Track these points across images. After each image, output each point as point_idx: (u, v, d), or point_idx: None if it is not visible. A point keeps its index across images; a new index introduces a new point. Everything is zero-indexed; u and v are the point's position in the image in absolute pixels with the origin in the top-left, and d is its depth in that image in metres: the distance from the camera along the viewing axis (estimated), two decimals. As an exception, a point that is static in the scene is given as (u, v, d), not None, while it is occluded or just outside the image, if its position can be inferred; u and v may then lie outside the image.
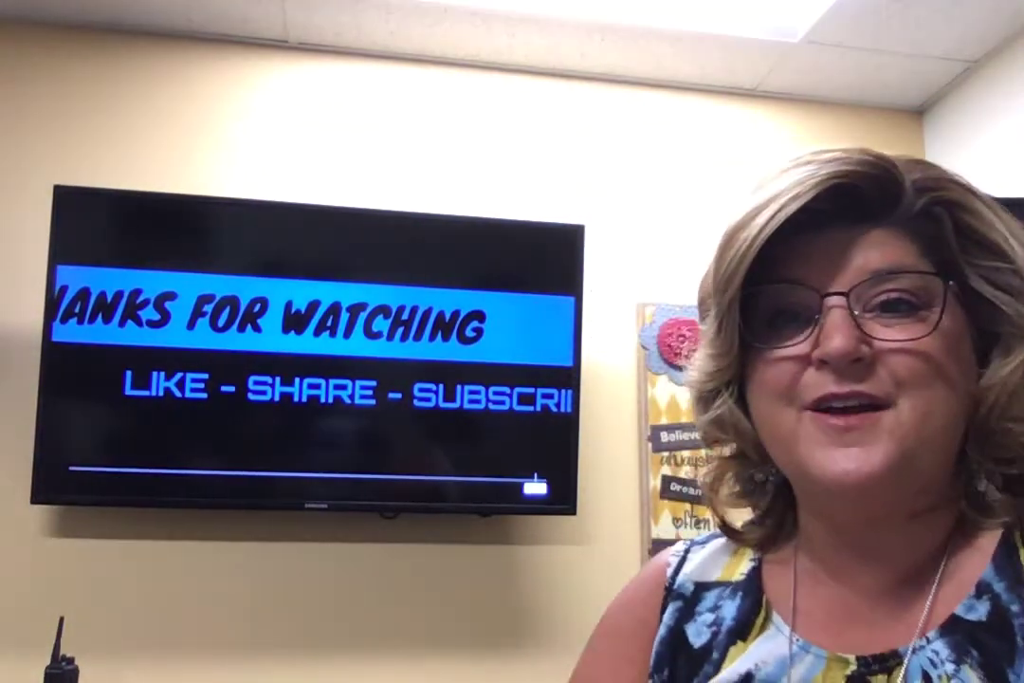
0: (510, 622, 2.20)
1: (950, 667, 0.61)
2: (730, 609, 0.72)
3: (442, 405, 2.17)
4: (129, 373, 2.07)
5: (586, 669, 0.78)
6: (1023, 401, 0.64)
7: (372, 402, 2.16)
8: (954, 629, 0.62)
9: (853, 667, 0.64)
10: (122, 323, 2.08)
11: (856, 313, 0.63)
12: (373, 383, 2.16)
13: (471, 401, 2.18)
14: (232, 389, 2.10)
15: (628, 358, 2.40)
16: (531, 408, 2.20)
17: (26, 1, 2.27)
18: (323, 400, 2.14)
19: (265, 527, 2.17)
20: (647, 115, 2.60)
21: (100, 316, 2.08)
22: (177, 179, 2.29)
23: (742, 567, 0.75)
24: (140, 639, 2.09)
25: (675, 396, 2.36)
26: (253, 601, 2.15)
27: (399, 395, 2.16)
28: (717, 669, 0.68)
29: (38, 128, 2.30)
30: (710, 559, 0.77)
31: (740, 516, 0.77)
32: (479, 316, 2.22)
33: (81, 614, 1.99)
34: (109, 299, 2.09)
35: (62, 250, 2.09)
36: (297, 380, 2.13)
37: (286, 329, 2.15)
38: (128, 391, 2.07)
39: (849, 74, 2.56)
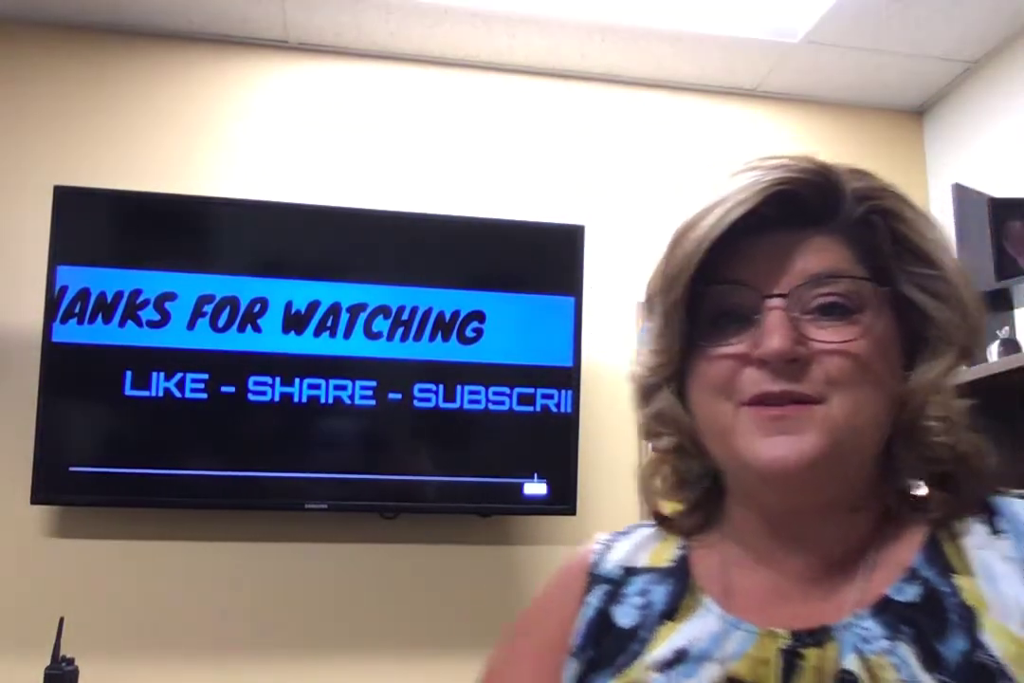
0: (510, 622, 2.20)
1: (885, 643, 0.63)
2: (659, 593, 0.73)
3: (442, 405, 2.17)
4: (129, 373, 2.07)
5: (503, 655, 0.79)
6: (946, 402, 0.68)
7: (372, 402, 2.16)
8: (885, 609, 0.65)
9: (785, 640, 0.65)
10: (122, 323, 2.08)
11: (794, 315, 0.66)
12: (373, 383, 2.16)
13: (471, 401, 2.18)
14: (232, 389, 2.10)
15: (628, 358, 2.40)
16: (531, 408, 2.20)
17: (26, 1, 2.27)
18: (323, 400, 2.14)
19: (265, 527, 2.17)
20: (647, 115, 2.60)
21: (100, 316, 2.08)
22: (177, 179, 2.29)
23: (669, 554, 0.76)
24: (140, 639, 2.09)
25: (675, 396, 2.36)
26: (253, 601, 2.15)
27: (399, 395, 2.16)
28: (644, 647, 0.69)
29: (38, 128, 2.30)
30: (636, 547, 0.78)
31: (672, 506, 0.80)
32: (479, 316, 2.22)
33: (81, 614, 1.99)
34: (109, 299, 2.09)
35: (62, 250, 2.09)
36: (297, 380, 2.13)
37: (286, 329, 2.15)
38: (128, 391, 2.07)
39: (849, 74, 2.56)
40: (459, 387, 2.18)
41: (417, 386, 2.17)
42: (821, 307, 0.66)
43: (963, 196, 2.03)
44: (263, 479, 2.12)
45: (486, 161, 2.47)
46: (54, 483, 2.03)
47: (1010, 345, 1.92)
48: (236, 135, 2.38)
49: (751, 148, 2.63)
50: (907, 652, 0.62)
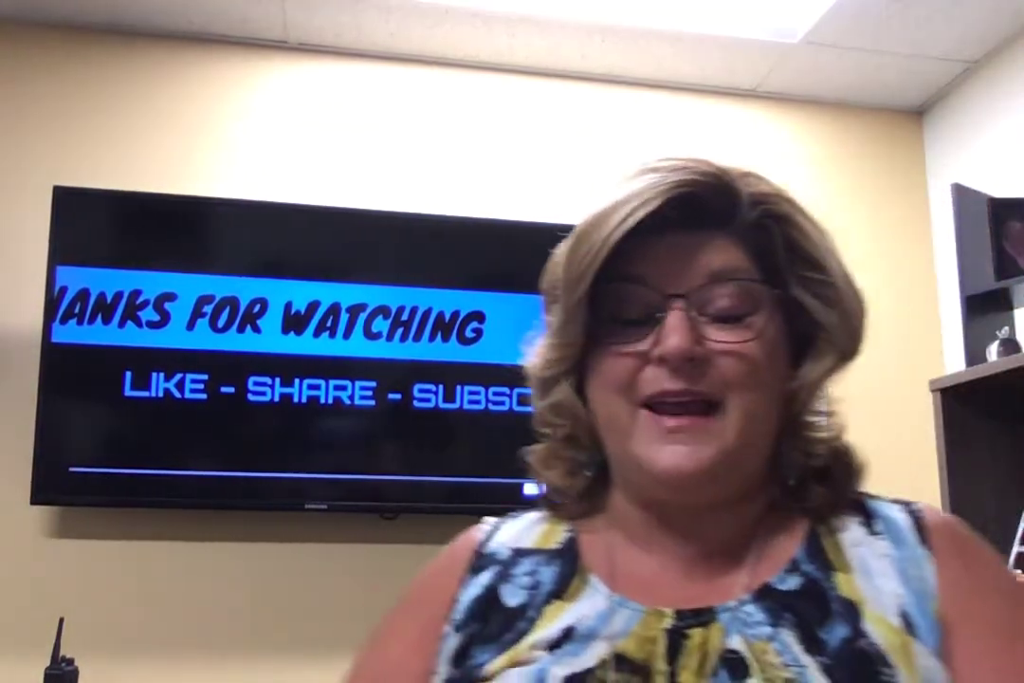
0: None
1: (767, 630, 0.65)
2: (548, 573, 0.74)
3: (442, 406, 2.17)
4: (129, 374, 2.07)
5: (381, 631, 0.79)
6: (826, 401, 0.73)
7: (372, 403, 2.16)
8: (767, 596, 0.68)
9: (670, 619, 0.67)
10: (122, 324, 2.09)
11: (693, 315, 0.68)
12: (373, 384, 2.16)
13: (471, 402, 2.18)
14: (232, 390, 2.10)
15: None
16: (531, 409, 2.19)
17: (26, 1, 2.27)
18: (323, 401, 2.14)
19: (265, 527, 2.17)
20: (647, 115, 2.60)
21: (100, 317, 2.08)
22: (177, 179, 2.29)
23: (557, 536, 0.77)
24: (140, 639, 2.09)
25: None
26: (253, 601, 2.14)
27: (399, 396, 2.16)
28: (532, 626, 0.70)
29: (38, 128, 2.30)
30: (524, 529, 0.79)
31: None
32: (479, 317, 2.22)
33: (81, 614, 1.99)
34: (109, 300, 2.09)
35: (62, 250, 2.09)
36: (297, 381, 2.13)
37: (286, 330, 2.15)
38: (128, 392, 2.07)
39: (849, 74, 2.56)
40: (459, 387, 2.18)
41: (417, 386, 2.17)
42: (718, 308, 0.69)
43: (963, 196, 2.03)
44: (263, 479, 2.12)
45: (486, 161, 2.47)
46: (54, 483, 2.03)
47: (1010, 345, 1.92)
48: (236, 135, 2.38)
49: (751, 148, 2.63)
50: (789, 637, 0.65)
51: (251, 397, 2.11)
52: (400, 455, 2.20)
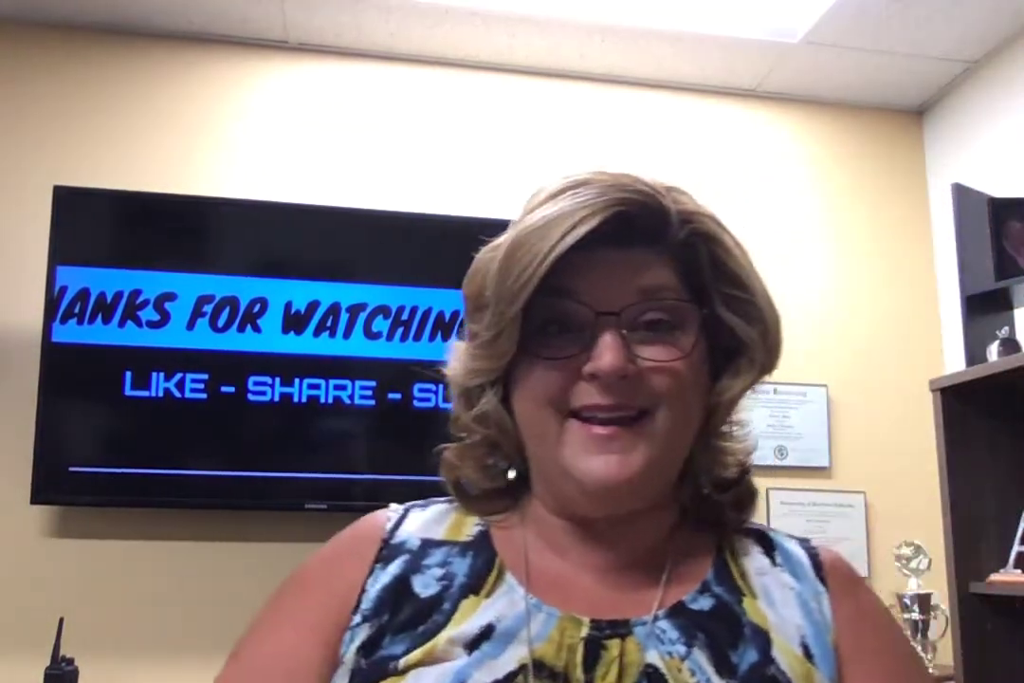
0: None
1: (681, 648, 0.67)
2: (461, 566, 0.73)
3: (442, 405, 2.17)
4: (129, 373, 2.07)
5: (268, 616, 0.78)
6: (742, 414, 0.76)
7: (372, 402, 2.16)
8: (680, 614, 0.70)
9: (587, 629, 0.68)
10: (122, 323, 2.09)
11: (625, 333, 0.69)
12: (373, 383, 2.16)
13: (471, 401, 2.18)
14: (232, 389, 2.10)
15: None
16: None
17: (26, 1, 2.27)
18: (323, 400, 2.14)
19: (265, 527, 2.17)
20: (647, 115, 2.60)
21: (100, 316, 2.08)
22: (177, 179, 2.29)
23: (468, 529, 0.77)
24: (140, 639, 2.09)
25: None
26: (253, 601, 2.13)
27: (399, 395, 2.16)
28: (448, 619, 0.69)
29: (38, 128, 2.30)
30: (433, 520, 0.79)
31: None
32: (479, 316, 2.21)
33: (81, 614, 1.99)
34: (109, 299, 2.09)
35: (62, 250, 2.09)
36: (297, 380, 2.13)
37: (286, 329, 2.15)
38: (128, 391, 2.07)
39: (849, 74, 2.56)
40: (459, 387, 2.18)
41: (417, 386, 2.17)
42: (648, 325, 0.70)
43: (963, 196, 2.03)
44: (263, 479, 2.12)
45: (486, 161, 2.47)
46: (54, 483, 2.03)
47: (1010, 345, 1.92)
48: (236, 135, 2.38)
49: (751, 148, 2.63)
50: (702, 657, 0.67)
51: (251, 397, 2.11)
52: (400, 455, 2.20)
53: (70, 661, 1.77)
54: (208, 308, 2.12)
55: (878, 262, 2.61)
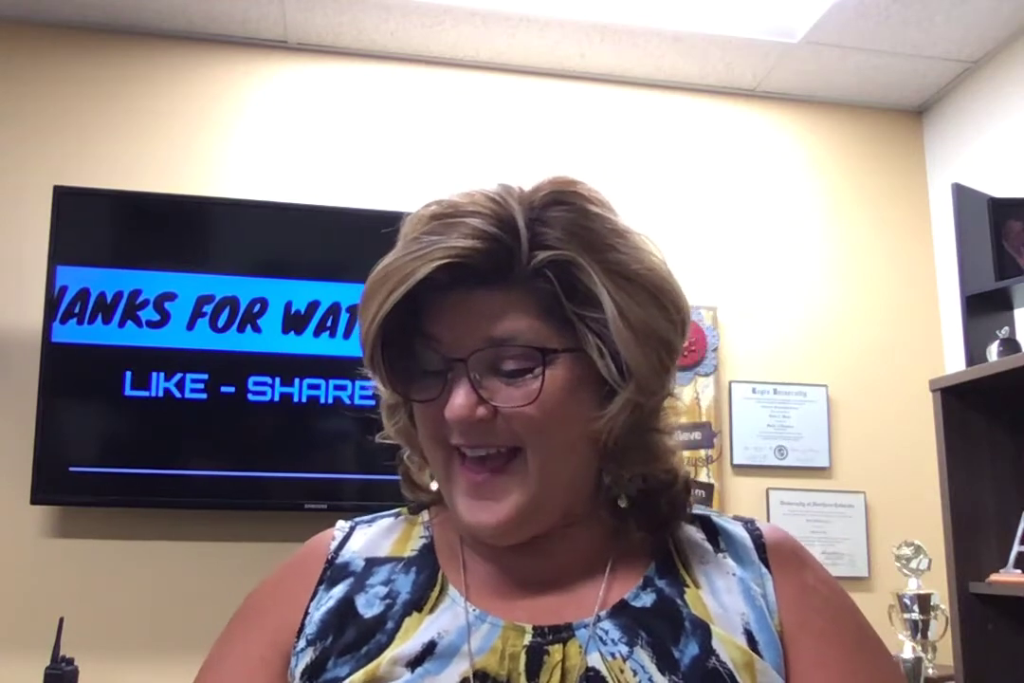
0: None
1: (624, 648, 0.68)
2: (404, 583, 0.74)
3: (442, 405, 2.17)
4: (129, 373, 2.07)
5: (225, 638, 0.79)
6: (636, 428, 0.72)
7: (372, 402, 2.15)
8: (622, 613, 0.70)
9: (530, 636, 0.69)
10: (122, 323, 2.08)
11: (478, 375, 0.69)
12: (373, 383, 2.16)
13: (471, 401, 2.18)
14: (232, 389, 2.10)
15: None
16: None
17: (26, 1, 2.27)
18: (323, 400, 2.14)
19: (265, 527, 2.17)
20: (647, 115, 2.60)
21: (100, 316, 2.08)
22: (177, 179, 2.29)
23: (413, 543, 0.78)
24: (140, 639, 2.09)
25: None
26: (253, 601, 2.14)
27: (399, 395, 2.16)
28: (391, 638, 0.69)
29: (38, 128, 2.30)
30: (378, 536, 0.79)
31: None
32: (479, 316, 2.21)
33: (81, 614, 1.99)
34: (109, 299, 2.09)
35: (62, 250, 2.09)
36: (297, 380, 2.13)
37: (286, 329, 2.15)
38: (128, 391, 2.07)
39: (849, 74, 2.56)
40: (459, 387, 2.18)
41: (417, 386, 2.17)
42: (503, 367, 0.69)
43: (963, 196, 2.03)
44: (263, 479, 2.12)
45: (486, 161, 2.47)
46: (54, 483, 2.03)
47: (1010, 345, 1.92)
48: (236, 135, 2.38)
49: (751, 148, 2.63)
50: (644, 655, 0.67)
51: (251, 397, 2.11)
52: (401, 455, 2.20)
53: (70, 661, 1.77)
54: (208, 308, 2.12)
55: (878, 262, 2.61)
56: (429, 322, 0.71)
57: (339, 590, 0.74)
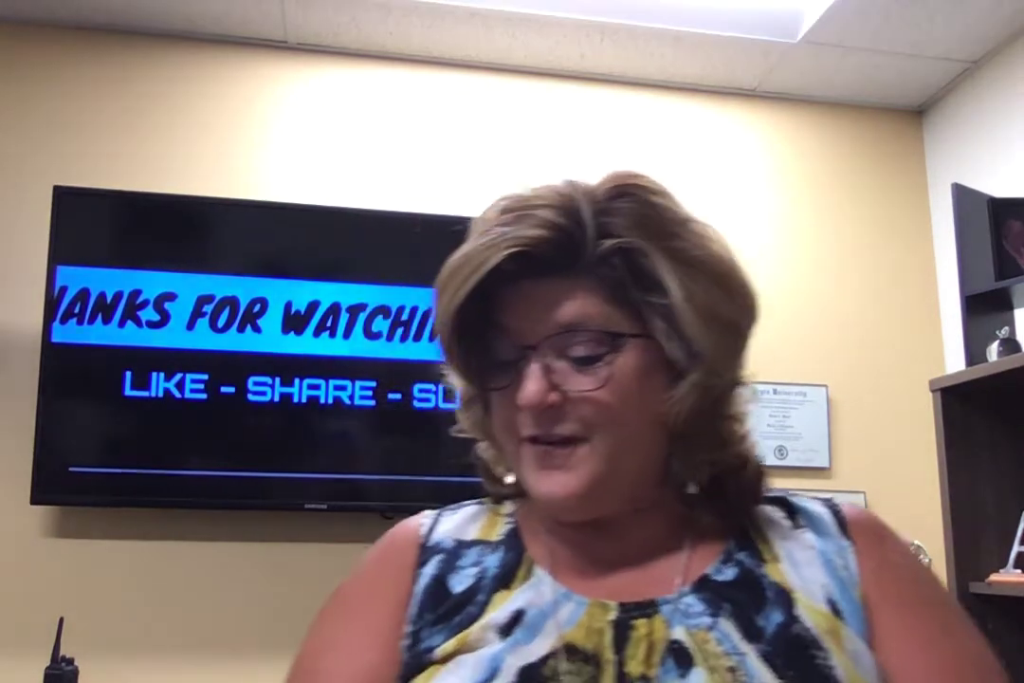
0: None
1: (707, 620, 0.69)
2: (493, 561, 0.76)
3: (442, 406, 2.17)
4: (129, 374, 2.07)
5: (331, 629, 0.80)
6: (705, 413, 0.73)
7: (372, 403, 2.16)
8: (705, 587, 0.72)
9: (614, 612, 0.71)
10: (122, 324, 2.09)
11: (549, 362, 0.71)
12: (373, 384, 2.16)
13: (471, 401, 2.18)
14: (232, 390, 2.10)
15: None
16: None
17: (26, 1, 2.27)
18: (323, 401, 2.14)
19: (265, 527, 2.17)
20: (647, 115, 2.60)
21: (100, 317, 2.08)
22: (177, 179, 2.29)
23: (499, 529, 0.80)
24: (140, 639, 2.09)
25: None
26: (253, 601, 2.14)
27: (399, 395, 2.16)
28: (482, 610, 0.72)
29: (38, 128, 2.30)
30: (464, 522, 0.82)
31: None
32: (479, 316, 2.21)
33: (81, 614, 1.99)
34: (109, 300, 2.09)
35: (62, 250, 2.09)
36: (297, 380, 2.13)
37: (286, 329, 2.15)
38: (128, 392, 2.07)
39: (849, 74, 2.56)
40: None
41: (417, 386, 2.17)
42: (575, 353, 0.71)
43: (963, 196, 2.03)
44: (263, 479, 2.12)
45: (486, 161, 2.47)
46: (54, 483, 2.03)
47: (1010, 345, 1.92)
48: (236, 135, 2.38)
49: (751, 148, 2.63)
50: (728, 626, 0.69)
51: (251, 397, 2.11)
52: (400, 455, 2.20)
53: (70, 661, 1.77)
54: (208, 308, 2.12)
55: (878, 262, 2.61)
56: (500, 312, 0.73)
57: (431, 568, 0.77)
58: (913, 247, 2.65)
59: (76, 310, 2.07)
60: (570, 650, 0.68)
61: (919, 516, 2.26)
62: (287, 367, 2.13)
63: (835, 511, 0.79)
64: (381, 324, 2.18)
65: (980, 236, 1.99)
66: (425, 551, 0.79)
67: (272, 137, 2.40)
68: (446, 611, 0.73)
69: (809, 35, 2.36)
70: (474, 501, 0.85)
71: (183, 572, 2.13)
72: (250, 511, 2.16)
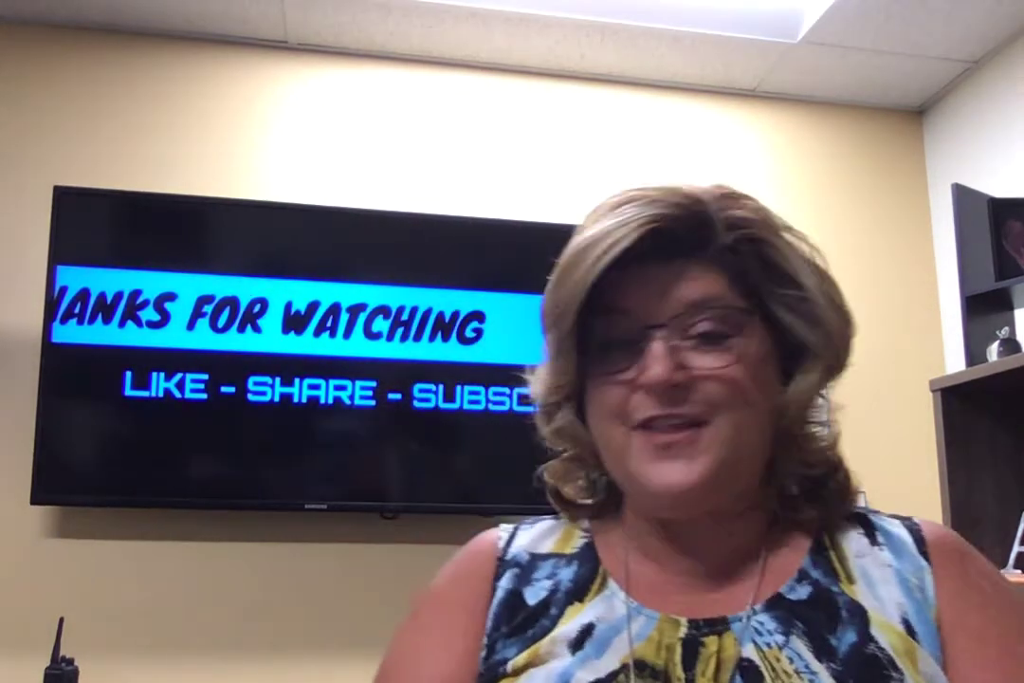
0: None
1: (779, 638, 0.68)
2: (567, 573, 0.77)
3: (442, 406, 2.17)
4: (129, 374, 2.07)
5: (412, 639, 0.79)
6: (819, 413, 0.75)
7: (372, 403, 2.16)
8: (778, 605, 0.71)
9: (685, 629, 0.70)
10: (122, 324, 2.09)
11: (674, 343, 0.71)
12: (373, 384, 2.16)
13: (471, 402, 2.18)
14: (232, 390, 2.10)
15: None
16: (531, 409, 2.19)
17: (26, 1, 2.27)
18: (323, 401, 2.14)
19: (265, 527, 2.17)
20: (647, 115, 2.60)
21: (100, 317, 2.08)
22: (177, 179, 2.29)
23: (574, 542, 0.80)
24: (140, 639, 2.09)
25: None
26: (253, 601, 2.15)
27: (399, 396, 2.16)
28: (554, 623, 0.72)
29: (38, 128, 2.30)
30: (541, 536, 0.82)
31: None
32: (479, 316, 2.22)
33: (81, 614, 1.99)
34: (109, 300, 2.09)
35: (62, 250, 2.09)
36: (297, 381, 2.13)
37: (286, 330, 2.15)
38: (128, 392, 2.07)
39: (849, 74, 2.56)
40: (459, 387, 2.18)
41: (417, 386, 2.17)
42: (699, 334, 0.71)
43: (963, 196, 2.03)
44: (263, 479, 2.12)
45: (486, 161, 2.47)
46: (54, 483, 2.03)
47: (1010, 345, 1.92)
48: (236, 135, 2.38)
49: (751, 148, 2.63)
50: (800, 645, 0.68)
51: (251, 397, 2.11)
52: (400, 455, 2.20)
53: (70, 661, 1.77)
54: (208, 308, 2.12)
55: (878, 262, 2.61)
56: (621, 296, 0.72)
57: (507, 582, 0.77)
58: (913, 247, 2.65)
59: (76, 310, 2.07)
60: (639, 666, 0.68)
61: (919, 516, 2.26)
62: (287, 367, 2.13)
63: (914, 530, 0.76)
64: (381, 324, 2.18)
65: (980, 236, 1.99)
66: (502, 564, 0.79)
67: (272, 137, 2.40)
68: (520, 623, 0.74)
69: (809, 35, 2.36)
70: (550, 516, 0.85)
71: (183, 572, 2.13)
72: (250, 511, 2.16)
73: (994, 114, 2.44)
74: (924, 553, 0.74)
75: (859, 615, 0.69)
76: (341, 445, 2.17)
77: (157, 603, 2.11)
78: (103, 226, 2.18)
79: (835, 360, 0.74)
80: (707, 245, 0.72)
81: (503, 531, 0.83)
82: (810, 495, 0.76)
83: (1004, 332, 1.94)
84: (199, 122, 2.37)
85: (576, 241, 0.73)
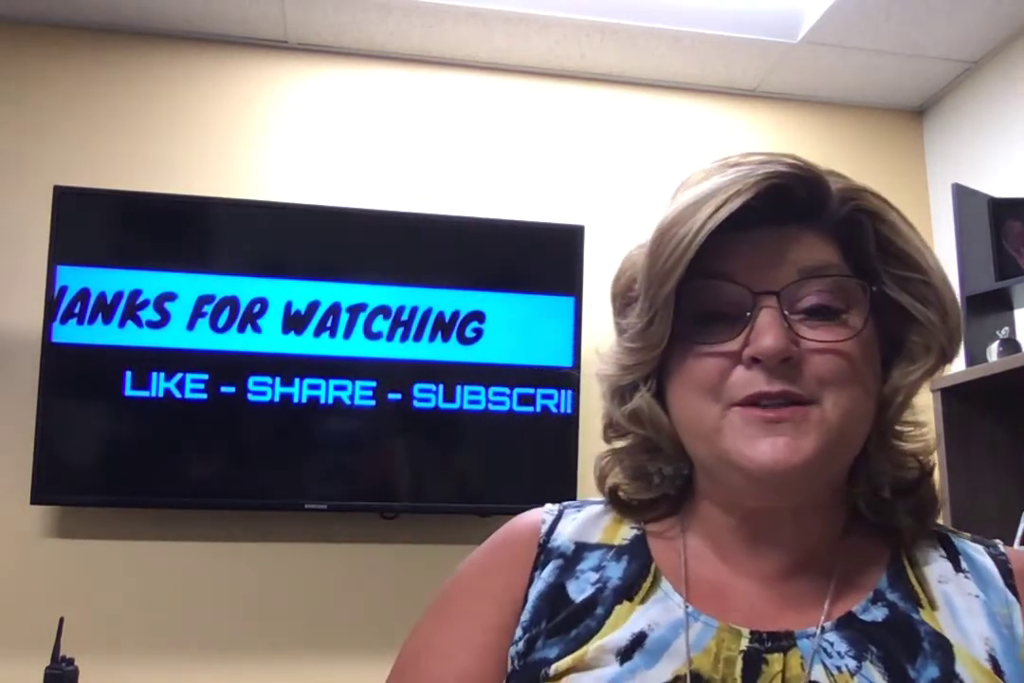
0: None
1: (851, 662, 0.63)
2: (616, 569, 0.71)
3: (442, 406, 2.17)
4: (129, 374, 2.07)
5: (432, 632, 0.74)
6: (920, 406, 0.69)
7: (372, 403, 2.16)
8: (850, 625, 0.65)
9: (746, 641, 0.64)
10: (122, 324, 2.09)
11: (785, 313, 0.64)
12: (373, 384, 2.16)
13: (471, 402, 2.18)
14: (232, 390, 2.10)
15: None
16: (531, 409, 2.20)
17: (26, 1, 2.27)
18: (323, 401, 2.14)
19: (265, 527, 2.17)
20: (647, 115, 2.60)
21: (100, 317, 2.08)
22: (177, 179, 2.29)
23: (623, 532, 0.74)
24: (140, 639, 2.09)
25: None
26: (253, 601, 2.14)
27: (399, 396, 2.16)
28: (601, 624, 0.67)
29: (38, 128, 2.30)
30: (588, 522, 0.75)
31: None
32: (479, 316, 2.22)
33: (81, 614, 1.99)
34: (109, 300, 2.09)
35: (62, 250, 2.09)
36: (297, 381, 2.13)
37: (286, 330, 2.15)
38: (128, 392, 2.07)
39: (849, 74, 2.56)
40: (459, 387, 2.18)
41: (417, 386, 2.17)
42: (811, 305, 0.65)
43: (963, 196, 2.03)
44: (263, 479, 2.12)
45: (486, 161, 2.47)
46: (54, 483, 2.03)
47: (1010, 345, 1.92)
48: (236, 135, 2.38)
49: (751, 148, 2.62)
50: (874, 672, 0.62)
51: (251, 397, 2.11)
52: (400, 455, 2.20)
53: (70, 661, 1.77)
54: (208, 308, 2.12)
55: (878, 262, 2.61)
56: (724, 261, 0.65)
57: (549, 573, 0.71)
58: (913, 247, 2.64)
59: (76, 310, 2.07)
60: (695, 678, 0.63)
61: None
62: (287, 367, 2.13)
63: (999, 559, 0.70)
64: (381, 324, 2.18)
65: (980, 236, 1.99)
66: (545, 552, 0.73)
67: (272, 137, 2.40)
68: (563, 621, 0.68)
69: (809, 35, 2.36)
70: (598, 500, 0.78)
71: (183, 572, 2.13)
72: (250, 511, 2.16)
73: (994, 114, 2.44)
74: (1011, 586, 0.68)
75: (943, 648, 0.63)
76: (341, 445, 2.18)
77: (157, 603, 2.11)
78: (103, 226, 2.18)
79: (949, 345, 0.68)
80: (820, 212, 0.67)
81: (547, 513, 0.77)
82: (897, 498, 0.69)
83: (1004, 332, 1.94)
84: (199, 122, 2.37)
85: (680, 198, 0.66)
